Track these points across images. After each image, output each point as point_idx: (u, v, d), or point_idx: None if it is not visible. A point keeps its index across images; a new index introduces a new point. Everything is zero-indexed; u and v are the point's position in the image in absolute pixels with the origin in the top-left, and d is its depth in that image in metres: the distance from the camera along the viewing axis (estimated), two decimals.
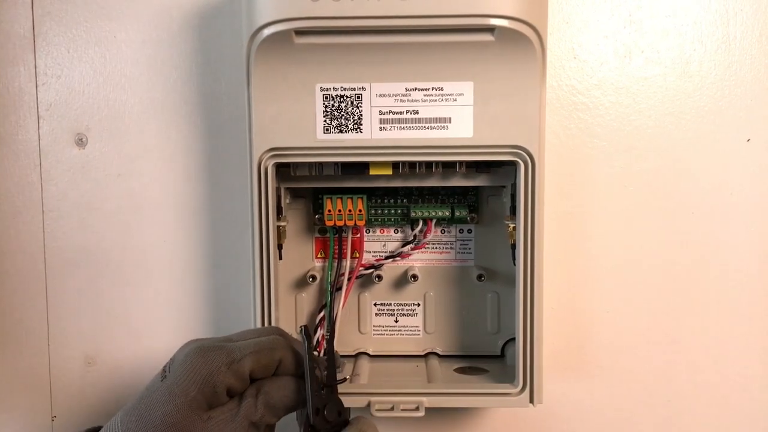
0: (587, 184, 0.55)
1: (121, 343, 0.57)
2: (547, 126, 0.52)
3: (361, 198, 0.51)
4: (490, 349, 0.55)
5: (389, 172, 0.49)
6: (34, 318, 0.57)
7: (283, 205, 0.50)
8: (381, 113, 0.46)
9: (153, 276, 0.56)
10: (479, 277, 0.54)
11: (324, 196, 0.51)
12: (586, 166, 0.55)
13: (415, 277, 0.53)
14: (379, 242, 0.55)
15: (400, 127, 0.46)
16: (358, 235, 0.54)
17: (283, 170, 0.50)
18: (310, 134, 0.46)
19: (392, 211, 0.53)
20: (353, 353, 0.55)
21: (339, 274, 0.53)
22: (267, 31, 0.44)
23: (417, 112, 0.46)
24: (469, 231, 0.55)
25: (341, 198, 0.51)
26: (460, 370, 0.53)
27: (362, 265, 0.54)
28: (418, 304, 0.55)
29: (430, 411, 0.48)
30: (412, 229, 0.54)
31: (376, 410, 0.47)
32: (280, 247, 0.49)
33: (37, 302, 0.57)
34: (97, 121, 0.55)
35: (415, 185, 0.52)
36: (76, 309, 0.57)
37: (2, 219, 0.56)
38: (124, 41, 0.55)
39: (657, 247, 0.55)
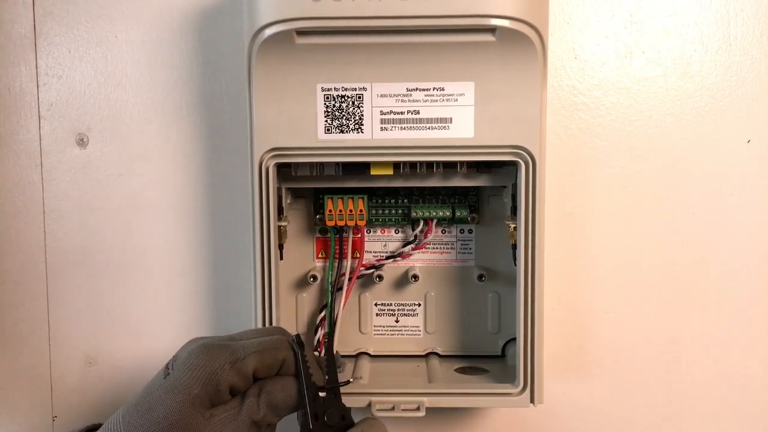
0: (588, 184, 0.55)
1: (121, 343, 0.57)
2: (548, 126, 0.53)
3: (362, 198, 0.51)
4: (491, 349, 0.55)
5: (390, 172, 0.49)
6: (35, 318, 0.57)
7: (284, 205, 0.50)
8: (382, 113, 0.46)
9: (154, 276, 0.56)
10: (480, 277, 0.54)
11: (325, 196, 0.51)
12: (586, 167, 0.55)
13: (415, 277, 0.53)
14: (379, 242, 0.55)
15: (401, 127, 0.46)
16: (359, 235, 0.54)
17: (284, 170, 0.50)
18: (311, 134, 0.46)
19: (393, 211, 0.53)
20: (354, 353, 0.55)
21: (340, 274, 0.53)
22: (268, 32, 0.44)
23: (418, 113, 0.46)
24: (470, 231, 0.55)
25: (342, 198, 0.51)
26: (461, 370, 0.53)
27: (363, 265, 0.54)
28: (419, 304, 0.55)
29: (431, 411, 0.48)
30: (413, 229, 0.54)
31: (377, 410, 0.47)
32: (281, 247, 0.49)
33: (37, 302, 0.57)
34: (98, 121, 0.55)
35: (416, 185, 0.52)
36: (76, 309, 0.57)
37: (3, 219, 0.56)
38: (125, 41, 0.55)
39: (657, 247, 0.55)
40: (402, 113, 0.46)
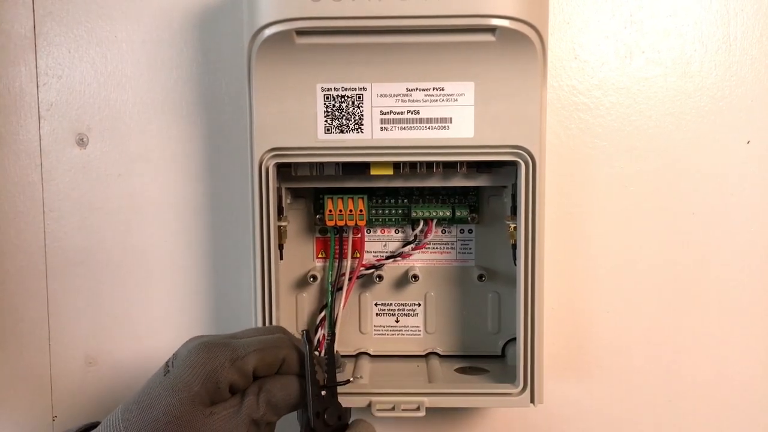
0: (588, 184, 0.55)
1: (121, 343, 0.57)
2: (548, 126, 0.53)
3: (362, 198, 0.51)
4: (491, 349, 0.55)
5: (390, 172, 0.49)
6: (35, 318, 0.57)
7: (284, 205, 0.50)
8: (382, 113, 0.46)
9: (154, 276, 0.56)
10: (480, 277, 0.54)
11: (325, 196, 0.51)
12: (586, 167, 0.55)
13: (415, 277, 0.53)
14: (379, 242, 0.55)
15: (401, 127, 0.46)
16: (359, 235, 0.54)
17: (284, 170, 0.50)
18: (311, 134, 0.46)
19: (393, 211, 0.53)
20: (354, 353, 0.55)
21: (340, 274, 0.53)
22: (268, 32, 0.44)
23: (418, 113, 0.46)
24: (470, 231, 0.55)
25: (342, 198, 0.51)
26: (461, 370, 0.53)
27: (363, 265, 0.54)
28: (419, 304, 0.55)
29: (431, 411, 0.48)
30: (413, 229, 0.54)
31: (377, 410, 0.47)
32: (281, 247, 0.49)
33: (38, 302, 0.57)
34: (98, 121, 0.55)
35: (415, 185, 0.52)
36: (76, 309, 0.57)
37: (3, 219, 0.56)
38: (125, 41, 0.55)
39: (657, 247, 0.55)
40: (402, 113, 0.46)
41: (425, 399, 0.48)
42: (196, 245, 0.56)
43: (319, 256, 0.55)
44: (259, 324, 0.48)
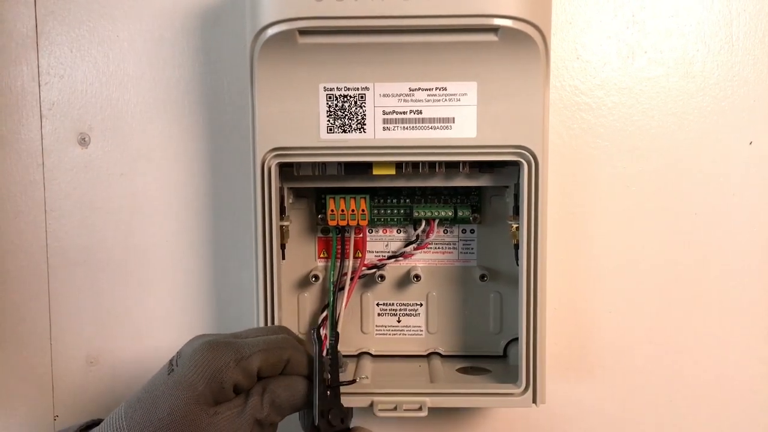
0: (590, 184, 0.55)
1: (123, 343, 0.57)
2: (550, 126, 0.53)
3: (364, 198, 0.51)
4: (493, 349, 0.55)
5: (392, 172, 0.49)
6: (37, 317, 0.57)
7: (286, 205, 0.50)
8: (384, 113, 0.46)
9: (155, 275, 0.56)
10: (482, 277, 0.54)
11: (327, 196, 0.51)
12: (588, 167, 0.55)
13: (417, 277, 0.53)
14: (381, 242, 0.55)
15: (404, 127, 0.46)
16: (361, 235, 0.54)
17: (287, 170, 0.50)
18: (314, 134, 0.46)
19: (395, 211, 0.53)
20: (356, 353, 0.55)
21: (342, 274, 0.53)
22: (271, 31, 0.44)
23: (420, 112, 0.46)
24: (472, 231, 0.55)
25: (344, 198, 0.51)
26: (463, 370, 0.53)
27: (365, 265, 0.54)
28: (421, 304, 0.55)
29: (433, 411, 0.48)
30: (415, 229, 0.54)
31: (379, 410, 0.47)
32: (283, 246, 0.49)
33: (39, 301, 0.57)
34: (99, 120, 0.55)
35: (418, 185, 0.52)
36: (78, 308, 0.57)
37: (5, 218, 0.56)
38: (127, 40, 0.55)
39: (659, 247, 0.55)
40: (404, 113, 0.46)
41: (427, 399, 0.48)
42: (198, 245, 0.56)
43: (321, 255, 0.55)
44: (261, 323, 0.48)
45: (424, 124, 0.46)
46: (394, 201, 0.53)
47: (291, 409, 0.41)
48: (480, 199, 0.54)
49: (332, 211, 0.51)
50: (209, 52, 0.55)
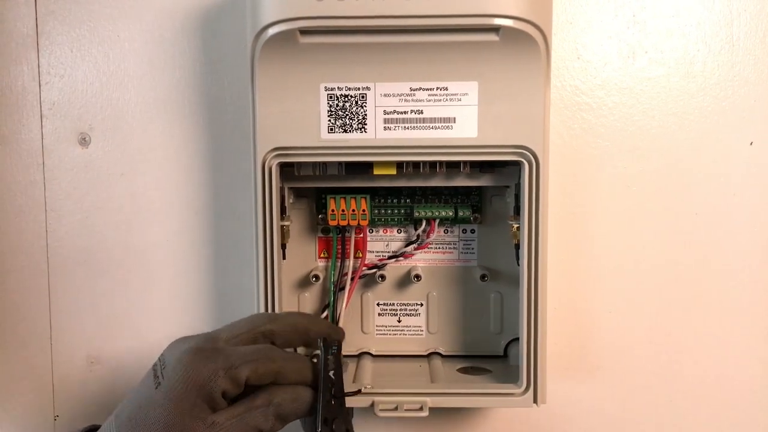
0: (590, 184, 0.55)
1: (123, 343, 0.57)
2: (551, 126, 0.52)
3: (365, 198, 0.51)
4: (493, 349, 0.55)
5: (393, 171, 0.49)
6: (37, 317, 0.57)
7: (286, 205, 0.50)
8: (385, 113, 0.46)
9: (156, 275, 0.56)
10: (482, 277, 0.54)
11: (327, 196, 0.51)
12: (589, 167, 0.55)
13: (418, 277, 0.53)
14: (382, 242, 0.55)
15: (405, 126, 0.46)
16: (362, 235, 0.54)
17: (287, 170, 0.50)
18: (315, 134, 0.46)
19: (395, 211, 0.53)
20: (356, 353, 0.55)
21: (342, 274, 0.53)
22: (272, 31, 0.44)
23: (421, 112, 0.46)
24: (473, 231, 0.55)
25: (345, 198, 0.51)
26: (463, 370, 0.53)
27: (365, 265, 0.54)
28: (421, 304, 0.55)
29: (433, 411, 0.48)
30: (416, 229, 0.54)
31: (380, 410, 0.47)
32: (283, 246, 0.49)
33: (39, 301, 0.56)
34: (100, 120, 0.55)
35: (418, 185, 0.52)
36: (78, 308, 0.56)
37: (5, 218, 0.56)
38: (128, 40, 0.55)
39: (659, 247, 0.55)
40: (405, 113, 0.46)
41: (428, 399, 0.48)
42: (199, 245, 0.56)
43: (322, 255, 0.55)
44: None
45: (425, 124, 0.46)
46: (395, 201, 0.53)
47: (295, 418, 0.40)
48: (480, 199, 0.54)
49: (333, 211, 0.51)
50: (210, 52, 0.55)
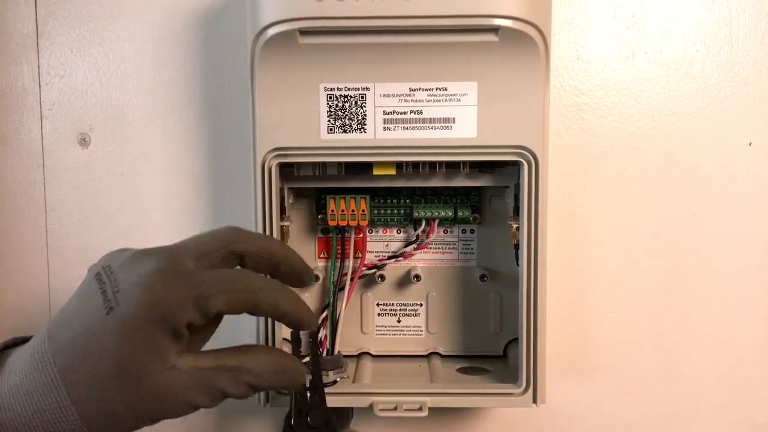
0: (590, 184, 0.55)
1: None
2: (550, 127, 0.52)
3: (364, 198, 0.51)
4: (493, 349, 0.55)
5: (393, 172, 0.49)
6: (37, 318, 0.56)
7: (286, 205, 0.50)
8: (385, 113, 0.46)
9: None
10: (482, 277, 0.54)
11: (327, 196, 0.51)
12: (588, 167, 0.55)
13: (417, 277, 0.53)
14: (381, 242, 0.55)
15: (404, 127, 0.46)
16: (361, 235, 0.54)
17: (287, 170, 0.50)
18: (314, 134, 0.46)
19: (395, 211, 0.53)
20: (356, 353, 0.55)
21: (342, 274, 0.53)
22: (271, 31, 0.44)
23: (421, 113, 0.46)
24: (472, 231, 0.55)
25: (344, 198, 0.51)
26: (463, 370, 0.53)
27: (365, 265, 0.54)
28: (421, 304, 0.55)
29: (433, 411, 0.48)
30: (415, 229, 0.54)
31: (380, 410, 0.47)
32: None
33: (39, 302, 0.56)
34: (100, 120, 0.55)
35: (418, 185, 0.52)
36: None
37: (5, 218, 0.56)
38: (128, 41, 0.55)
39: (659, 247, 0.55)
40: (405, 113, 0.46)
41: (427, 399, 0.48)
42: None
43: (321, 256, 0.55)
44: (261, 324, 0.48)
45: (424, 125, 0.46)
46: (394, 201, 0.53)
47: (272, 390, 0.37)
48: (480, 200, 0.54)
49: (332, 211, 0.51)
50: (210, 52, 0.55)
